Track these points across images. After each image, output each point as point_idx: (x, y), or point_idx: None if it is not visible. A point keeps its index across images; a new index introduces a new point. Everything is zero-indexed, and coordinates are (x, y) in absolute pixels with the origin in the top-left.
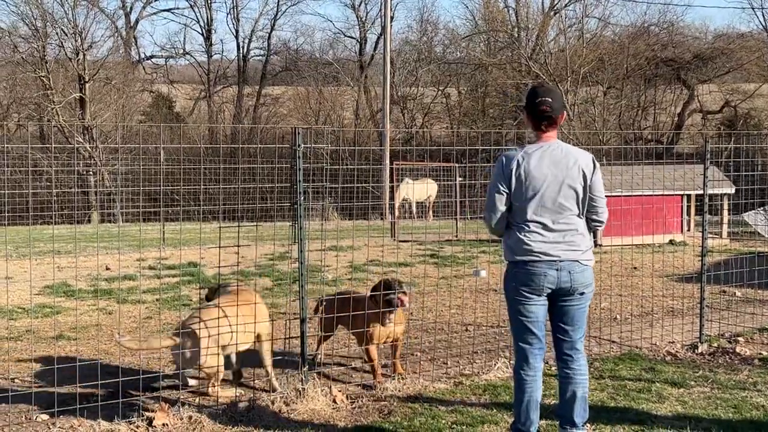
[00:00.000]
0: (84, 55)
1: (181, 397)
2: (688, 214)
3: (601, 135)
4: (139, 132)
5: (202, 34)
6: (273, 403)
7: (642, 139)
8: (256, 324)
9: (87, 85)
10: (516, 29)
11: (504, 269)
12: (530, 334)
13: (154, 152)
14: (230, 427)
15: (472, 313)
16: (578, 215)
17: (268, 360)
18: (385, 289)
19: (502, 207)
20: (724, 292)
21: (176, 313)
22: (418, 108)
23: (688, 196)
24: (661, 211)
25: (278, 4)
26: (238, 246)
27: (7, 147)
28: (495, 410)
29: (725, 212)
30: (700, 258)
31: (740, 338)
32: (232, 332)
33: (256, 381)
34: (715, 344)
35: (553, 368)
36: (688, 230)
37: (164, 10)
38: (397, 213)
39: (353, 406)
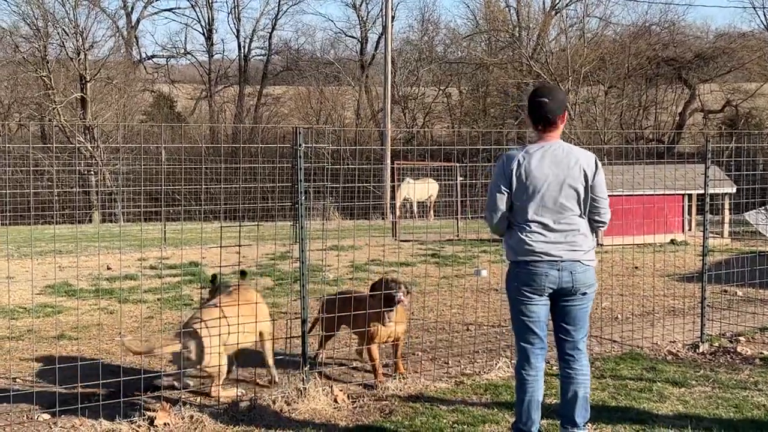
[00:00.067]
0: (85, 54)
1: (183, 396)
2: (690, 213)
3: (603, 134)
4: (141, 132)
5: (203, 34)
6: (274, 402)
7: (643, 139)
8: (256, 322)
9: (88, 85)
10: (517, 29)
11: (505, 269)
12: (532, 334)
13: (155, 152)
14: (231, 426)
15: (473, 313)
16: (580, 215)
17: (269, 355)
18: (383, 288)
19: (502, 206)
20: (726, 291)
21: (177, 312)
22: (419, 108)
23: (690, 195)
24: (662, 211)
25: (279, 4)
26: (239, 245)
27: (9, 147)
28: (496, 410)
29: (726, 212)
30: (701, 257)
31: (741, 338)
32: (234, 331)
33: (257, 380)
34: (717, 344)
35: (555, 368)
36: (690, 230)
37: (165, 10)
38: (398, 212)
39: (354, 405)
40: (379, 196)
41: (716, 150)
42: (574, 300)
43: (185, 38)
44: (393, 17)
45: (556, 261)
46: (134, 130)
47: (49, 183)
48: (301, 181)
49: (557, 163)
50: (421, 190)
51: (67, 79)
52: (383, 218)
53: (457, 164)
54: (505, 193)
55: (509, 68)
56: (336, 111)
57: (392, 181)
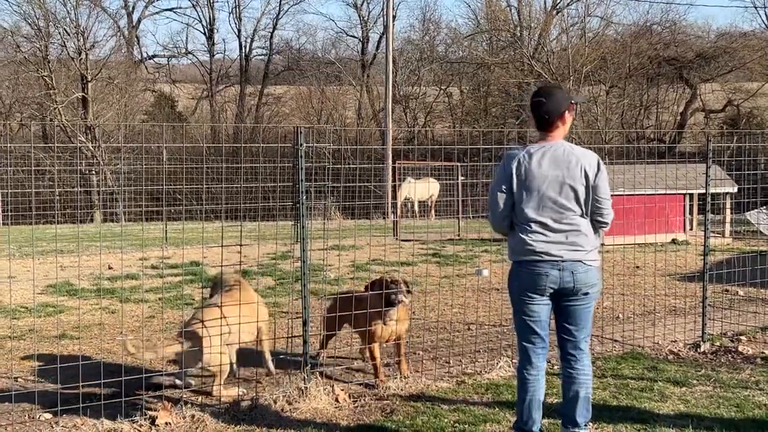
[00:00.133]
0: (86, 54)
1: (184, 396)
2: (691, 213)
3: (604, 134)
4: (142, 131)
5: (205, 34)
6: (276, 402)
7: (644, 138)
8: (255, 319)
9: (89, 85)
10: (518, 28)
11: (506, 268)
12: (533, 334)
13: (156, 152)
14: (233, 425)
15: (474, 312)
16: (581, 215)
17: (266, 350)
18: (383, 287)
19: (503, 206)
20: (727, 291)
21: (179, 312)
22: (421, 107)
23: (691, 195)
24: (663, 210)
25: (280, 4)
26: (241, 245)
27: (10, 147)
28: (497, 409)
29: (728, 211)
30: (702, 257)
31: (742, 337)
32: (234, 330)
33: (258, 379)
34: (718, 343)
35: (556, 367)
36: (691, 229)
37: (166, 10)
38: (399, 212)
39: (356, 405)
40: (380, 196)
41: (717, 149)
42: (576, 300)
43: (186, 38)
44: (394, 17)
45: (557, 261)
46: (135, 130)
47: (51, 183)
48: (302, 180)
49: (557, 163)
50: (422, 189)
51: (68, 78)
52: (384, 218)
53: (458, 164)
54: (506, 192)
55: (510, 68)
56: (337, 111)
57: (393, 180)
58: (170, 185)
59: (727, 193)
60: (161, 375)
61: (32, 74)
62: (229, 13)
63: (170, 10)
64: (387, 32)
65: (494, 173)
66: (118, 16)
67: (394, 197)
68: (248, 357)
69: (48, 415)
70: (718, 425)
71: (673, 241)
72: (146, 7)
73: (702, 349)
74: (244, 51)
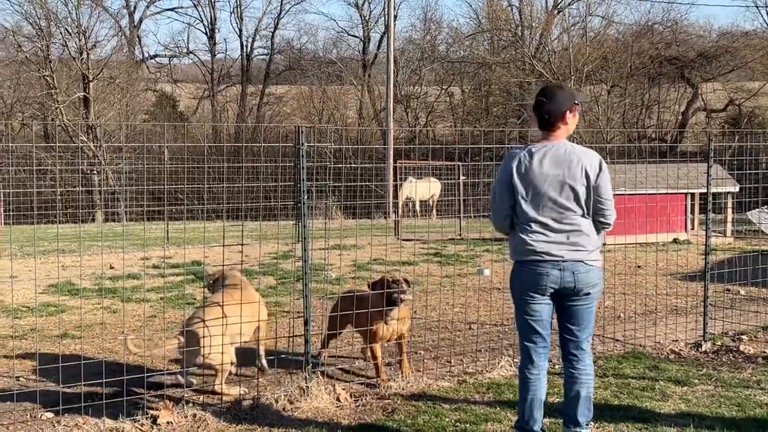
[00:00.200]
0: (88, 54)
1: (186, 395)
2: (692, 212)
3: (605, 133)
4: (143, 131)
5: (206, 33)
6: (277, 401)
7: (646, 138)
8: (254, 316)
9: (91, 85)
10: (519, 28)
11: (507, 268)
12: (535, 334)
13: (157, 151)
14: (234, 425)
15: (476, 312)
16: (582, 215)
17: (262, 348)
18: (385, 287)
19: (504, 205)
20: (728, 290)
21: (180, 311)
22: (422, 107)
23: (692, 194)
24: (665, 210)
25: (282, 3)
26: (242, 245)
27: (12, 146)
28: (498, 408)
29: (729, 210)
30: (703, 256)
31: (744, 336)
32: (237, 326)
33: (259, 379)
34: (719, 342)
35: (557, 367)
36: (692, 228)
37: (168, 9)
38: (400, 211)
39: (357, 404)
40: (382, 195)
41: (719, 149)
42: (578, 300)
43: (188, 38)
44: (395, 16)
45: (558, 261)
46: (137, 130)
47: (52, 182)
48: (303, 180)
49: (558, 163)
50: (423, 189)
51: (69, 78)
52: (386, 217)
53: (460, 163)
54: (507, 192)
55: (512, 67)
56: (338, 110)
57: (395, 180)
58: (172, 185)
59: (728, 193)
60: (162, 374)
61: (34, 74)
62: (231, 13)
63: (172, 9)
64: (388, 32)
65: (495, 173)
66: (119, 16)
67: (396, 197)
68: (250, 356)
69: (50, 415)
70: (720, 424)
71: (675, 241)
72: (148, 6)
73: (703, 349)
74: (245, 51)
